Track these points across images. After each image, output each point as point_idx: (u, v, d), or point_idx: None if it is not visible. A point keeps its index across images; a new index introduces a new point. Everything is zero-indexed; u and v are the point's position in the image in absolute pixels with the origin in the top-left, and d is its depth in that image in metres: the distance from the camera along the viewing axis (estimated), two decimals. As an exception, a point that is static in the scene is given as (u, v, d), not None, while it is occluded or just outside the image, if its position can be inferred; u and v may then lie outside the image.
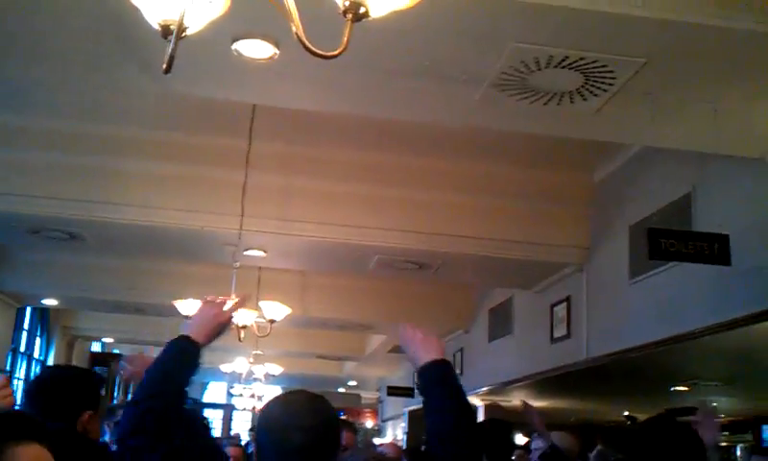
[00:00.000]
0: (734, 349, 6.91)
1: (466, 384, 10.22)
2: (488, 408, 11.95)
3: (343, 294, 11.22)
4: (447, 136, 6.83)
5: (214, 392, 27.70)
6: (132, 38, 3.94)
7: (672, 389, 10.49)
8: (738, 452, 14.78)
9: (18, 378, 14.10)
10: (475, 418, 2.34)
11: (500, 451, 4.31)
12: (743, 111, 4.64)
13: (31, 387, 2.67)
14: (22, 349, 14.21)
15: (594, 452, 7.93)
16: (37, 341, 15.00)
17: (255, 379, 16.93)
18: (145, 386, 2.27)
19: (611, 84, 4.26)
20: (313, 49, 2.00)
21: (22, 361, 14.32)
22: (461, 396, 2.32)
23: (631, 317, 6.89)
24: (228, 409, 24.09)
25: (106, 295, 11.38)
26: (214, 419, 24.82)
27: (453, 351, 13.22)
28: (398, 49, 4.03)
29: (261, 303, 7.44)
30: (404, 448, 11.94)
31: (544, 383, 9.25)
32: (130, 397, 2.35)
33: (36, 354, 14.95)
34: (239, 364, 15.07)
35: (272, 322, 7.54)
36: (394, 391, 16.63)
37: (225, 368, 15.35)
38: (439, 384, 2.33)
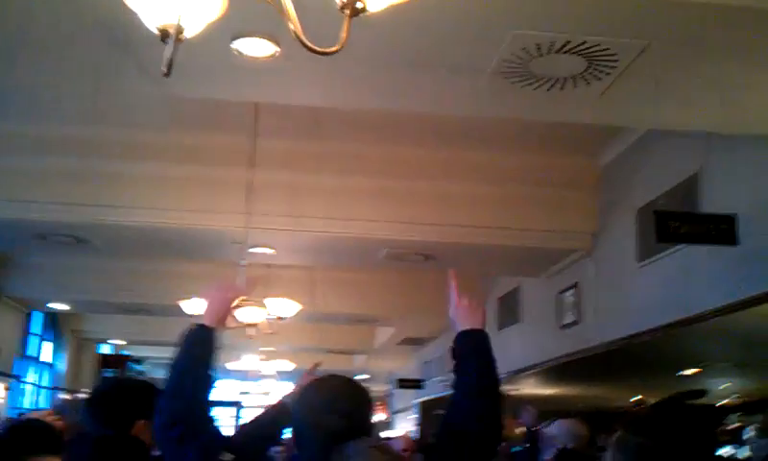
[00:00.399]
0: (744, 330, 6.89)
1: (476, 374, 10.08)
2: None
3: (351, 288, 11.24)
4: (452, 126, 6.81)
5: (224, 390, 27.72)
6: (131, 42, 3.93)
7: (682, 373, 10.49)
8: (750, 433, 14.76)
9: (28, 383, 14.17)
10: (501, 397, 2.32)
11: None
12: (748, 91, 4.60)
13: (92, 397, 2.86)
14: (32, 353, 14.25)
15: (614, 438, 7.90)
16: (47, 345, 15.04)
17: (265, 376, 16.97)
18: (173, 377, 2.32)
19: (614, 68, 4.23)
20: (312, 46, 1.99)
21: (32, 366, 14.37)
22: (492, 370, 2.33)
23: (639, 301, 6.87)
24: (238, 407, 24.11)
25: (114, 297, 11.41)
26: (222, 417, 24.82)
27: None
28: (398, 41, 4.01)
29: (268, 300, 7.43)
30: (417, 439, 11.95)
31: (553, 371, 9.25)
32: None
33: (46, 359, 15.00)
34: (249, 361, 15.10)
35: (281, 318, 7.53)
36: (404, 383, 16.64)
37: (234, 366, 15.38)
38: (473, 353, 2.35)
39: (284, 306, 7.46)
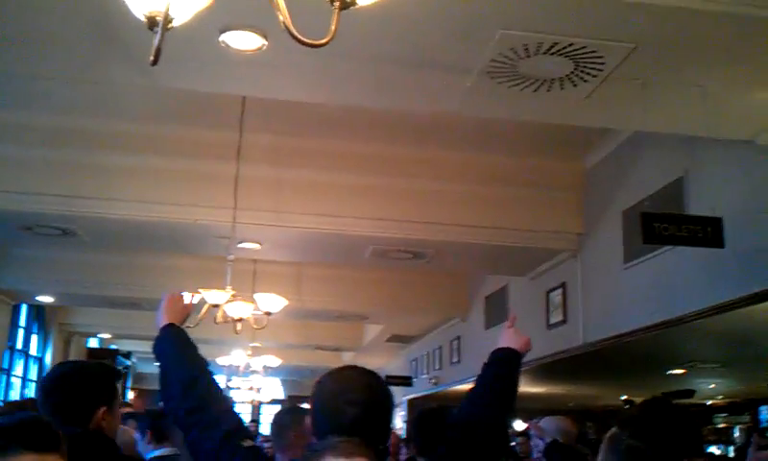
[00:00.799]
0: (729, 331, 6.93)
1: (463, 372, 10.23)
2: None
3: (339, 284, 11.23)
4: (438, 125, 6.83)
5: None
6: (118, 31, 3.92)
7: (668, 372, 10.54)
8: (736, 433, 14.87)
9: (16, 376, 14.12)
10: (509, 410, 2.43)
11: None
12: (733, 94, 4.64)
13: (42, 388, 2.62)
14: (19, 346, 14.20)
15: (607, 436, 7.93)
16: (34, 338, 14.99)
17: (253, 372, 16.94)
18: (171, 378, 2.35)
19: (600, 70, 4.25)
20: (301, 38, 2.00)
21: (19, 359, 14.32)
22: (513, 387, 2.43)
23: (626, 302, 6.91)
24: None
25: (101, 290, 11.37)
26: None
27: (450, 339, 13.26)
28: (387, 38, 4.02)
29: (257, 296, 7.43)
30: (403, 437, 11.95)
31: (541, 369, 9.27)
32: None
33: (33, 352, 14.96)
34: (237, 357, 15.08)
35: (268, 314, 7.53)
36: (392, 380, 16.64)
37: (222, 361, 15.36)
38: (497, 364, 2.46)
39: (271, 301, 7.46)
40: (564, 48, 4.03)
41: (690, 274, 5.91)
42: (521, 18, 3.82)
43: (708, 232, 5.03)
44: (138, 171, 7.07)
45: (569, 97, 4.60)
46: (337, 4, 2.00)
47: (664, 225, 5.03)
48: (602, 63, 4.18)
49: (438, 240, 7.66)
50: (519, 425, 10.89)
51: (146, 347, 17.74)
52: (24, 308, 14.13)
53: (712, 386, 12.50)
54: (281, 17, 2.00)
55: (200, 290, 6.76)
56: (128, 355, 20.54)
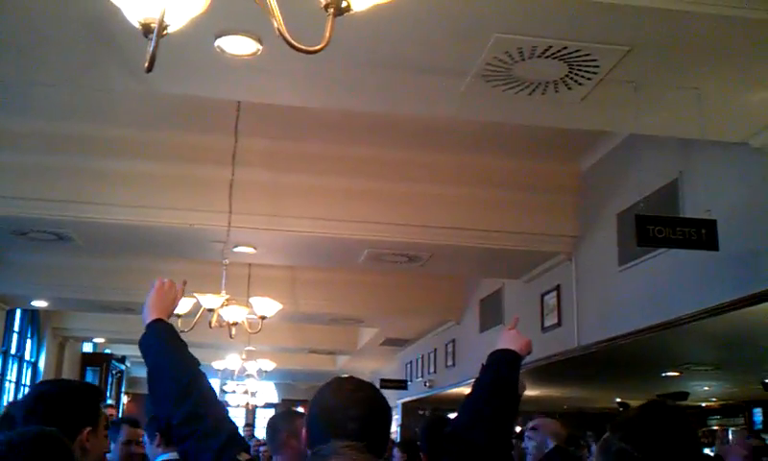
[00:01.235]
0: (724, 333, 6.94)
1: (458, 375, 10.20)
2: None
3: (333, 288, 11.23)
4: (433, 128, 6.84)
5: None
6: (113, 38, 3.92)
7: (663, 375, 10.56)
8: (730, 435, 14.88)
9: (10, 381, 14.08)
10: (510, 410, 2.34)
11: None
12: (727, 97, 4.66)
13: (24, 406, 2.52)
14: (13, 351, 14.16)
15: (601, 440, 7.93)
16: (28, 343, 14.95)
17: (248, 376, 16.91)
18: (163, 380, 2.26)
19: (594, 73, 4.27)
20: (295, 44, 1.99)
21: (13, 364, 14.28)
22: (511, 386, 2.35)
23: (620, 304, 6.91)
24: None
25: (95, 295, 11.33)
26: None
27: (445, 342, 13.26)
28: (382, 43, 4.03)
29: (252, 300, 7.42)
30: (397, 441, 11.94)
31: (536, 372, 9.28)
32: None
33: (27, 357, 14.92)
34: (231, 361, 15.05)
35: (263, 318, 7.52)
36: (386, 384, 16.64)
37: (217, 365, 15.33)
38: (496, 363, 2.39)
39: (266, 305, 7.45)
40: (558, 51, 4.04)
41: (685, 276, 5.92)
42: (516, 22, 3.83)
43: (702, 235, 5.04)
44: (133, 176, 7.05)
45: (564, 100, 4.62)
46: (331, 10, 1.99)
47: (658, 227, 5.03)
48: (596, 66, 4.20)
49: (433, 243, 7.66)
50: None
51: (140, 351, 17.71)
52: (18, 313, 14.09)
53: (707, 388, 12.52)
54: (276, 23, 2.00)
55: (195, 294, 6.75)
56: (122, 360, 20.51)
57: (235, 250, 7.81)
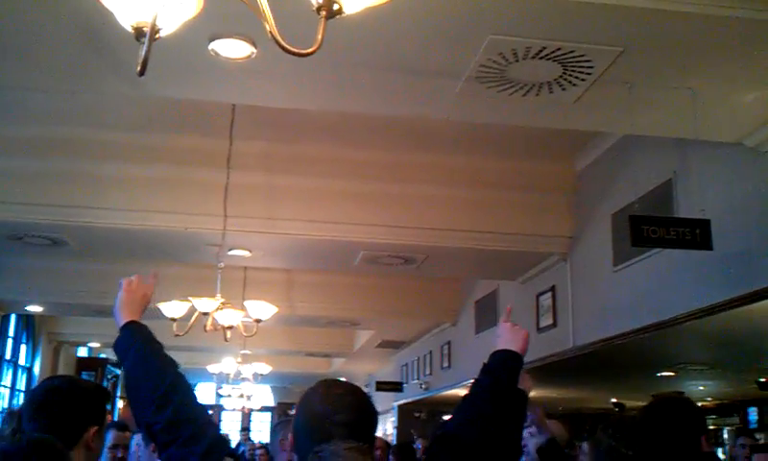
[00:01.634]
0: (718, 333, 6.95)
1: (454, 377, 10.22)
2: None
3: (329, 291, 11.22)
4: (428, 130, 6.84)
5: (202, 393, 27.61)
6: (106, 42, 3.91)
7: (658, 374, 10.56)
8: (725, 435, 14.89)
9: (5, 387, 14.04)
10: (509, 411, 2.28)
11: None
12: (721, 97, 4.67)
13: (32, 402, 2.47)
14: (8, 356, 14.13)
15: (592, 438, 7.92)
16: (23, 348, 14.92)
17: (244, 379, 16.89)
18: (141, 385, 2.23)
19: (588, 74, 4.27)
20: (288, 47, 1.99)
21: (8, 369, 14.25)
22: (511, 389, 2.29)
23: (615, 304, 6.92)
24: (217, 410, 24.04)
25: (90, 299, 11.29)
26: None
27: (440, 344, 13.26)
28: (375, 45, 4.03)
29: (247, 303, 7.42)
30: (394, 443, 11.96)
31: (532, 373, 9.28)
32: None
33: (21, 362, 14.88)
34: (227, 364, 15.03)
35: (258, 321, 7.51)
36: (382, 386, 16.64)
37: (212, 368, 15.30)
38: (501, 370, 2.32)
39: (261, 309, 7.44)
40: (552, 52, 4.05)
41: (679, 276, 5.93)
42: (510, 23, 3.83)
43: (696, 235, 5.04)
44: (128, 179, 7.04)
45: (558, 101, 4.62)
46: (323, 13, 1.99)
47: (653, 227, 5.04)
48: (590, 67, 4.20)
49: (428, 245, 7.66)
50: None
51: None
52: (13, 318, 14.05)
53: (702, 388, 12.53)
54: (268, 27, 1.99)
55: (190, 298, 6.75)
56: (117, 364, 20.43)
57: (230, 253, 7.81)
